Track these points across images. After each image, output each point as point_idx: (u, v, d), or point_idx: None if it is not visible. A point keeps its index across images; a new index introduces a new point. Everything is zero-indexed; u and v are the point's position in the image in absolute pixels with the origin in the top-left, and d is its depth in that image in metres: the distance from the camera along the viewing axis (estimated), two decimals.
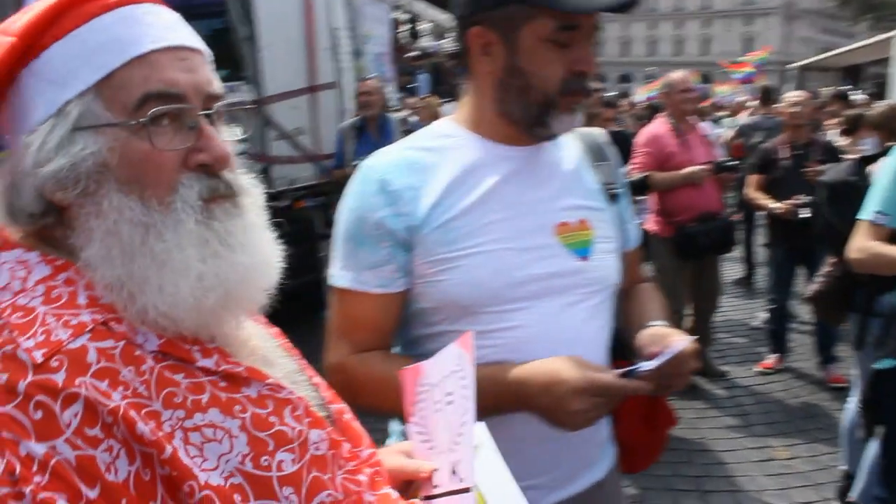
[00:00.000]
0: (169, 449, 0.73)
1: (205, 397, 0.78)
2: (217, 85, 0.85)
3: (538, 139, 1.36)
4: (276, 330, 1.03)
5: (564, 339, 1.29)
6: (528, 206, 1.33)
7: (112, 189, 0.79)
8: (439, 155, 1.34)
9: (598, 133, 1.55)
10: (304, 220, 6.00)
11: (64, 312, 0.77)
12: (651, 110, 8.32)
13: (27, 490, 0.68)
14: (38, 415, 0.70)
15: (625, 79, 60.70)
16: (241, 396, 0.81)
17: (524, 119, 1.32)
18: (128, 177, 0.79)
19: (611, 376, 1.19)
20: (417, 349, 1.34)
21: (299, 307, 4.35)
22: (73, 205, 0.80)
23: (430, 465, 0.97)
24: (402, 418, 1.07)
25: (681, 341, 1.26)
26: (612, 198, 1.46)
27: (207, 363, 0.81)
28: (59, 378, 0.72)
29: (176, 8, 0.87)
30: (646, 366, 1.21)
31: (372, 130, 5.63)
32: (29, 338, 0.74)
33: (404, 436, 1.13)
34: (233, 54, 6.00)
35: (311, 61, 6.07)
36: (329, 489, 0.83)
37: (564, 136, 1.40)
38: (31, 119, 0.80)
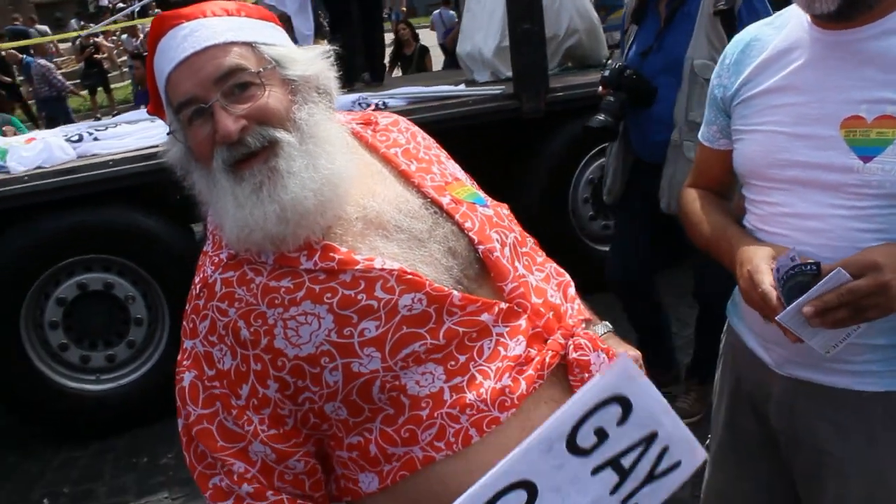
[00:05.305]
0: (264, 341, 1.10)
1: (300, 294, 1.09)
2: (230, 61, 1.09)
3: (828, 22, 1.28)
4: (455, 182, 1.25)
5: (809, 228, 1.33)
6: (821, 94, 1.31)
7: (194, 165, 1.16)
8: (775, 32, 1.43)
9: None
10: None
11: (214, 253, 1.18)
12: None
13: (179, 369, 1.17)
14: (191, 325, 1.17)
15: None
16: (335, 283, 1.09)
17: None
18: (195, 156, 1.15)
19: (768, 281, 1.24)
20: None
21: None
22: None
23: None
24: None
25: (842, 273, 1.15)
26: None
27: (308, 265, 1.10)
28: (200, 303, 1.16)
29: None
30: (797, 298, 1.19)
31: None
32: (197, 275, 1.18)
33: None
34: None
35: None
36: (423, 340, 1.08)
37: None
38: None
